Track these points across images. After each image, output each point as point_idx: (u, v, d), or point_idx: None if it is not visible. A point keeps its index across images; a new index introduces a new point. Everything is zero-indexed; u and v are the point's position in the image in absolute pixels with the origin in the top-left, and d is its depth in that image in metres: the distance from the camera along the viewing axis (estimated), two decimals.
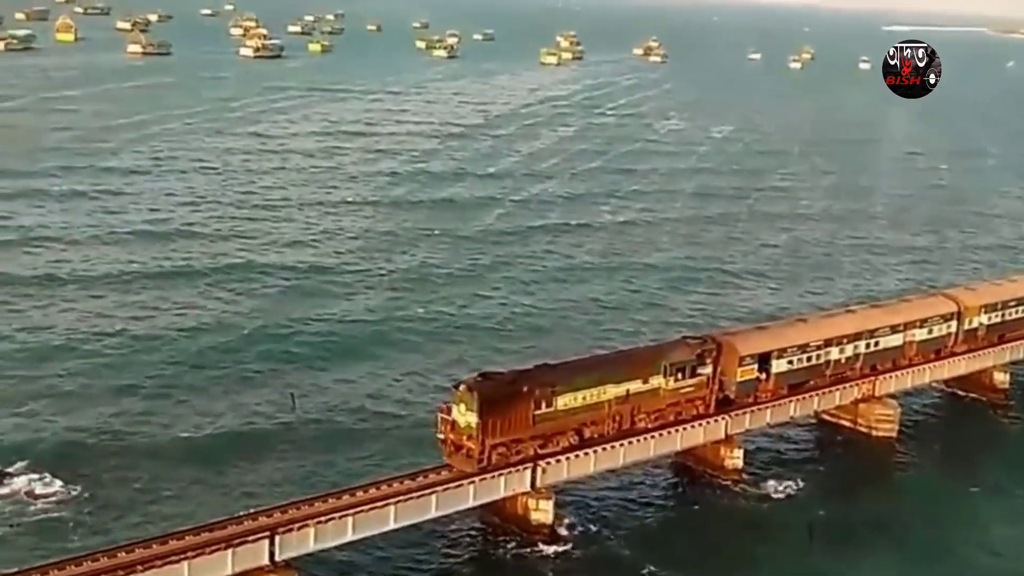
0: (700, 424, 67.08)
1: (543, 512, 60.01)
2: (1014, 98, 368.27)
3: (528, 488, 59.81)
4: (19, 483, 61.27)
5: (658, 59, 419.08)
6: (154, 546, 49.40)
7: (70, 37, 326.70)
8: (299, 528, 51.96)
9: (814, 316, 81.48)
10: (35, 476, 61.80)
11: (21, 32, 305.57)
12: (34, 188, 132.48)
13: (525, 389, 58.54)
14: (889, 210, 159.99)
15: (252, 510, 53.48)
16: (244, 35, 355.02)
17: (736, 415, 68.95)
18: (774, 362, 69.96)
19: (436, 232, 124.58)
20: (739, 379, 68.18)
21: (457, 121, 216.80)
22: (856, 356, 74.71)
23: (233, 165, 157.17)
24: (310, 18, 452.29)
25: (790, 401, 71.95)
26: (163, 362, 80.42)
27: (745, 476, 68.84)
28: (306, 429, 71.09)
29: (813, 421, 76.95)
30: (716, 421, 67.84)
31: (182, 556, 48.78)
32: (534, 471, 59.73)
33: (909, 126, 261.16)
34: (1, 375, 76.16)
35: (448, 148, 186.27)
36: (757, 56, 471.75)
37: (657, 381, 64.13)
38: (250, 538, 50.66)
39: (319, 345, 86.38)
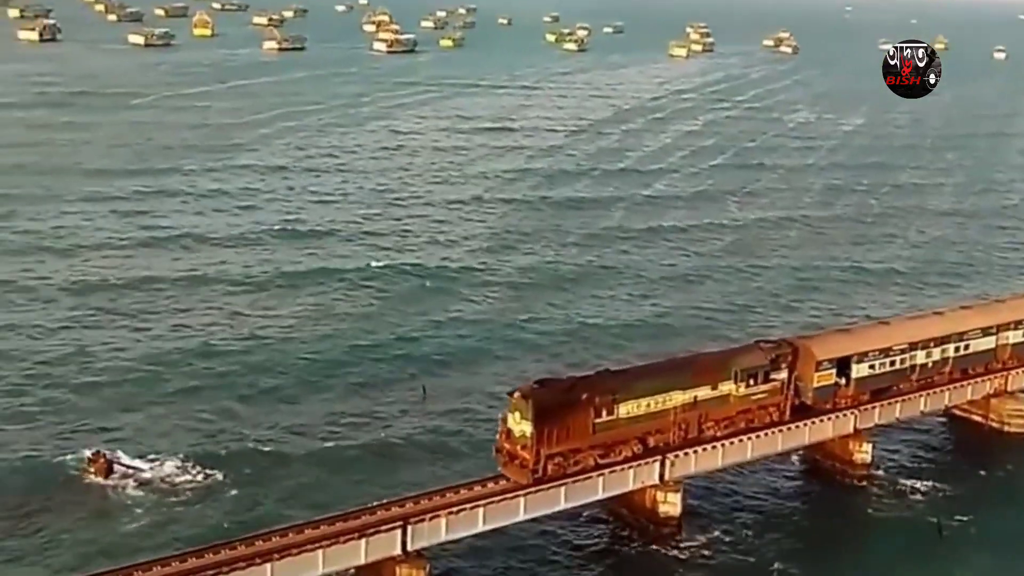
0: (829, 418, 66.63)
1: (671, 505, 60.36)
2: None
3: (656, 481, 60.11)
4: (167, 472, 63.77)
5: (789, 50, 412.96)
6: (291, 535, 50.87)
7: (207, 32, 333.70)
8: (431, 518, 53.01)
9: (899, 318, 78.95)
10: (181, 467, 64.26)
11: (160, 30, 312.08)
12: (172, 187, 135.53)
13: (584, 397, 56.61)
14: None
15: (385, 501, 54.58)
16: (377, 30, 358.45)
17: (865, 409, 68.11)
18: (854, 367, 67.24)
19: (562, 230, 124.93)
20: (816, 384, 65.75)
21: (584, 116, 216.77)
22: (944, 360, 71.61)
23: (364, 162, 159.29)
24: (442, 13, 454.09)
25: (920, 396, 70.94)
26: (296, 359, 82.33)
27: (874, 471, 68.42)
28: (434, 424, 72.34)
29: (942, 417, 76.10)
30: (845, 415, 67.28)
31: (317, 545, 50.18)
32: (662, 464, 59.89)
33: None
34: (147, 373, 78.36)
35: (575, 143, 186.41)
36: (888, 47, 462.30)
37: (727, 387, 61.95)
38: (383, 528, 51.89)
39: (446, 344, 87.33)
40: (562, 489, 56.78)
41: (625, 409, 57.88)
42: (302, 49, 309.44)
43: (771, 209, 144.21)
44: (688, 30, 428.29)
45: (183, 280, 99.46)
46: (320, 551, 50.14)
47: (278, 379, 78.53)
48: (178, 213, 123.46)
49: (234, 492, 62.39)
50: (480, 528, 54.93)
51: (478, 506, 54.39)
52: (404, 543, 52.20)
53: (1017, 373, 75.56)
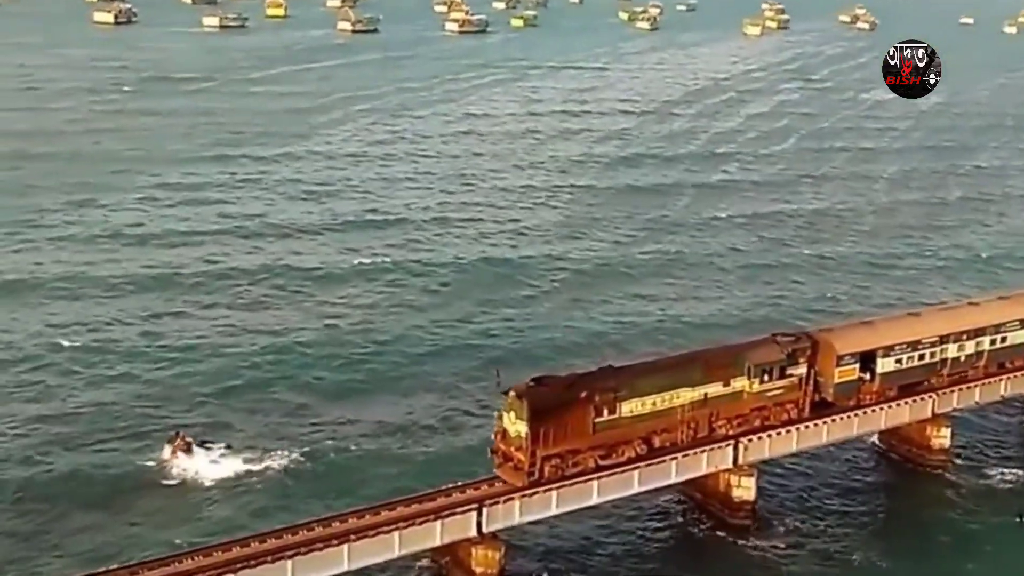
0: (906, 403, 65.96)
1: (745, 489, 60.17)
2: None
3: (730, 465, 60.01)
4: (244, 458, 64.72)
5: (866, 26, 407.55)
6: (367, 516, 51.42)
7: (280, 12, 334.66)
8: (505, 501, 53.38)
9: (929, 309, 75.66)
10: (257, 455, 65.09)
11: (234, 12, 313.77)
12: (246, 174, 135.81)
13: (583, 395, 54.58)
14: None
15: (460, 483, 54.99)
16: (448, 10, 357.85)
17: (943, 393, 67.06)
18: (879, 361, 64.37)
19: (629, 217, 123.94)
20: (837, 380, 63.22)
21: (656, 97, 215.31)
22: (979, 354, 68.35)
23: (436, 147, 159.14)
24: None
25: (1000, 379, 69.68)
26: (369, 350, 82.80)
27: (952, 457, 67.77)
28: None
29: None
30: (922, 399, 66.43)
31: (394, 527, 50.71)
32: (736, 448, 59.80)
33: None
34: (222, 363, 79.08)
35: (646, 124, 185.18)
36: (970, 21, 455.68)
37: (740, 383, 59.71)
38: (459, 510, 52.42)
39: (512, 331, 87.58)
40: (635, 473, 56.79)
41: (628, 408, 55.88)
42: (375, 31, 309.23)
43: (844, 193, 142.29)
44: (763, 6, 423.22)
45: (259, 270, 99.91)
46: (396, 532, 50.63)
47: (353, 372, 79.05)
48: (253, 200, 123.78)
49: (309, 479, 63.05)
50: (553, 511, 55.11)
51: (551, 490, 54.51)
52: (479, 524, 52.60)
53: None
